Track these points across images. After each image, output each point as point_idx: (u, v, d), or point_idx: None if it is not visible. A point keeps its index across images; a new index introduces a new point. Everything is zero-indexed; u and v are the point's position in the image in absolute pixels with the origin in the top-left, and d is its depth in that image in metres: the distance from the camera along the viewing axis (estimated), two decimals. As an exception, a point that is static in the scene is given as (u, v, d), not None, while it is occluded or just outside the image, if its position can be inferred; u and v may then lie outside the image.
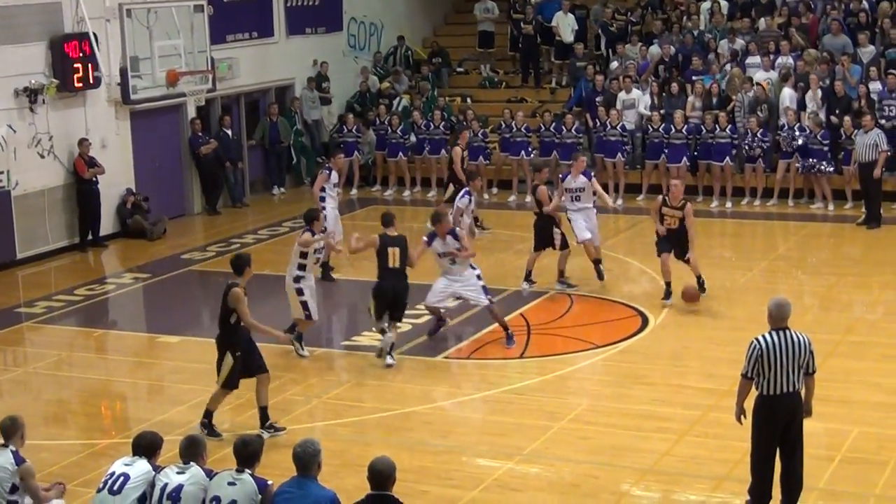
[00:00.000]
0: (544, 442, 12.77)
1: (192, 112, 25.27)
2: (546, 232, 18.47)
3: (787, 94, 24.56)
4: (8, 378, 16.07)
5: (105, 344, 17.43)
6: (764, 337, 10.38)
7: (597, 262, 18.61)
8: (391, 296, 15.24)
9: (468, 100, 29.25)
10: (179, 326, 17.61)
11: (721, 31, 27.32)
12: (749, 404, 10.57)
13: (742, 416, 10.62)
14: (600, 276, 18.59)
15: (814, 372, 10.51)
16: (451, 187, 22.29)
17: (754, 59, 25.87)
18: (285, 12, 27.95)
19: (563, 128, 25.60)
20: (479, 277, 16.16)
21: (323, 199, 19.28)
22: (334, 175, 19.72)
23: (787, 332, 10.40)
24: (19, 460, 9.82)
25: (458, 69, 31.13)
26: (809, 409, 10.64)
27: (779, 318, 10.43)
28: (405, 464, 8.82)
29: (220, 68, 25.16)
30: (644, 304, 17.65)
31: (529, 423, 13.31)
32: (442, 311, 16.44)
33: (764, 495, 10.62)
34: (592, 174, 19.42)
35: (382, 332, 15.41)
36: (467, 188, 19.50)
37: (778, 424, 10.42)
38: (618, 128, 25.30)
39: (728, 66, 25.97)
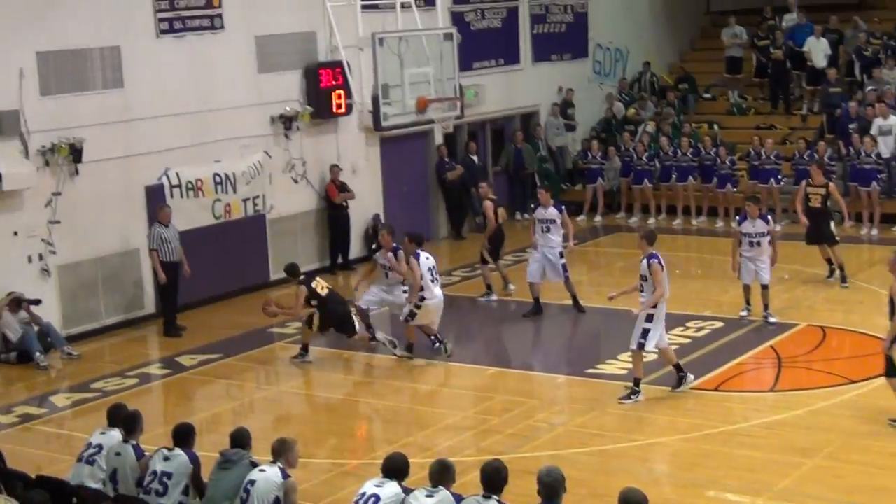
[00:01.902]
0: (796, 479, 12.37)
1: (438, 138, 25.65)
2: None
3: None
4: (260, 396, 16.56)
5: (354, 365, 17.77)
6: None
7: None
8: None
9: (715, 126, 28.80)
10: (426, 350, 17.83)
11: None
12: None
13: None
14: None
15: None
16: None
17: None
18: (531, 39, 28.13)
19: (816, 155, 24.92)
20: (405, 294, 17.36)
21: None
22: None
23: None
24: (285, 476, 10.13)
25: (706, 95, 30.71)
26: None
27: None
28: (651, 496, 8.62)
29: (468, 95, 25.44)
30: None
31: (780, 459, 12.92)
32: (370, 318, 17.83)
33: None
34: (563, 207, 19.39)
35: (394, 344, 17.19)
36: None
37: None
38: (872, 155, 24.48)
39: None
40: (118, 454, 10.91)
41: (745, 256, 18.13)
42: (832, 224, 20.23)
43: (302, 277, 17.51)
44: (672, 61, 32.36)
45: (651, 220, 26.65)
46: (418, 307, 16.98)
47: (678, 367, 15.17)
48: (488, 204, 20.18)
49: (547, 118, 28.50)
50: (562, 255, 19.06)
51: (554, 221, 18.95)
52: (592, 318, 19.23)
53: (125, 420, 11.19)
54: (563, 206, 19.50)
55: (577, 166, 28.35)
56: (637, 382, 14.91)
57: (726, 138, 27.67)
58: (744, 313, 18.29)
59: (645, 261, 14.85)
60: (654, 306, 14.77)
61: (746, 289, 18.30)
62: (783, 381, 15.63)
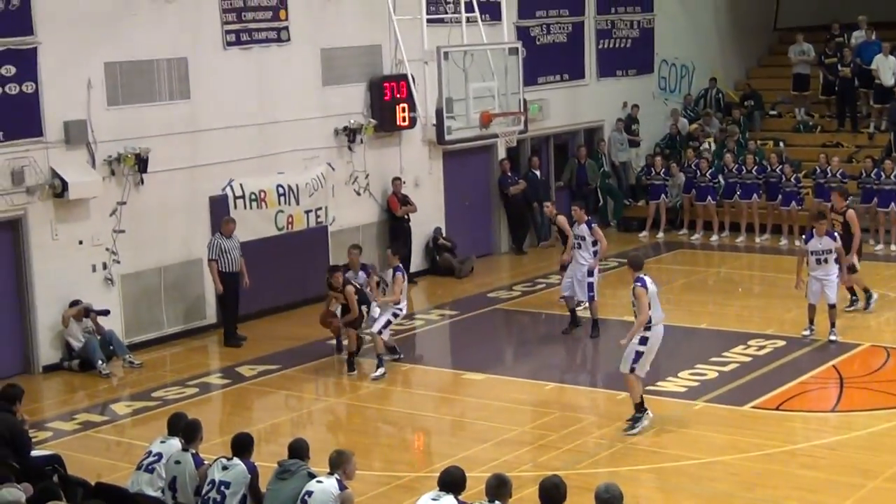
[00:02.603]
0: (857, 500, 12.23)
1: (501, 153, 25.63)
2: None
3: None
4: (319, 408, 16.62)
5: (411, 378, 17.77)
6: None
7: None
8: None
9: (781, 143, 28.57)
10: (484, 364, 17.79)
11: None
12: None
13: None
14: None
15: None
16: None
17: None
18: (597, 54, 28.06)
19: (882, 174, 24.65)
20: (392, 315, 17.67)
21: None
22: (350, 275, 18.24)
23: None
24: (342, 487, 10.16)
25: (772, 112, 30.48)
26: None
27: None
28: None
29: (532, 110, 25.42)
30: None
31: (842, 481, 12.77)
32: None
33: None
34: (594, 224, 19.17)
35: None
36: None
37: None
38: (939, 173, 24.19)
39: None
40: (178, 462, 10.99)
41: (811, 276, 17.94)
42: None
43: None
44: (738, 78, 32.14)
45: (714, 238, 26.47)
46: (396, 315, 17.69)
47: (639, 406, 14.52)
48: (562, 219, 19.84)
49: (611, 133, 28.41)
50: (590, 274, 18.68)
51: (584, 238, 18.68)
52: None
53: (185, 429, 11.27)
54: (594, 223, 19.33)
55: (641, 182, 28.23)
56: (638, 407, 14.49)
57: (792, 156, 27.45)
58: (807, 332, 18.08)
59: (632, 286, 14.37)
60: (648, 329, 14.35)
61: (812, 308, 18.09)
62: (845, 402, 15.46)
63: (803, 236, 18.50)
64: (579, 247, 18.80)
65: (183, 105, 19.81)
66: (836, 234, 18.31)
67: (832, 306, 17.87)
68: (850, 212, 19.59)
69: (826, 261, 17.79)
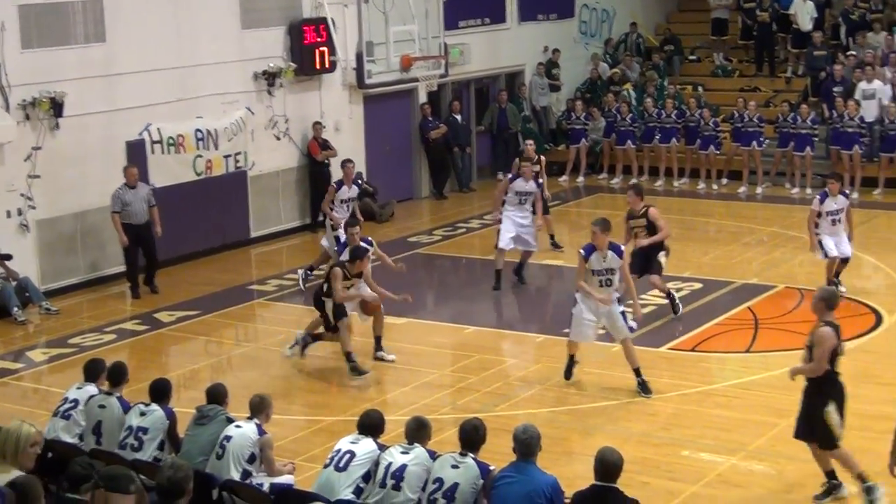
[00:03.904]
0: (770, 439, 12.46)
1: (422, 97, 25.57)
2: None
3: None
4: (239, 353, 16.60)
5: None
6: None
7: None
8: None
9: (700, 88, 28.77)
10: (405, 308, 17.77)
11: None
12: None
13: None
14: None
15: None
16: None
17: None
18: (519, -2, 28.02)
19: (799, 118, 24.93)
20: None
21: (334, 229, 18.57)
22: (344, 189, 18.77)
23: None
24: (261, 432, 10.19)
25: (691, 57, 30.67)
26: None
27: None
28: (626, 455, 8.67)
29: (453, 54, 25.39)
30: (878, 302, 17.06)
31: (755, 419, 13.01)
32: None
33: None
34: (542, 182, 19.05)
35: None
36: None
37: None
38: (856, 119, 24.49)
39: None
40: (102, 406, 10.91)
41: (825, 235, 17.27)
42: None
43: None
44: (658, 22, 32.28)
45: (633, 181, 26.63)
46: None
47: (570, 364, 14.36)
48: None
49: (532, 78, 28.43)
50: (537, 226, 18.76)
51: (531, 194, 18.46)
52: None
53: (111, 372, 11.19)
54: (542, 182, 19.31)
55: (561, 127, 28.33)
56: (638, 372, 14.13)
57: (710, 100, 27.67)
58: (843, 289, 17.20)
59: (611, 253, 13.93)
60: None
61: (832, 264, 17.41)
62: (759, 342, 15.70)
63: (818, 196, 17.64)
64: (525, 202, 18.48)
65: (99, 48, 19.52)
66: (847, 192, 18.09)
67: (845, 261, 17.42)
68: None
69: (840, 221, 17.29)
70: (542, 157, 20.66)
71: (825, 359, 10.54)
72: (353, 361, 14.89)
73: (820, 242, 17.33)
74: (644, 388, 13.89)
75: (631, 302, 14.25)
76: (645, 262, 16.52)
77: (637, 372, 13.97)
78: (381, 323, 15.56)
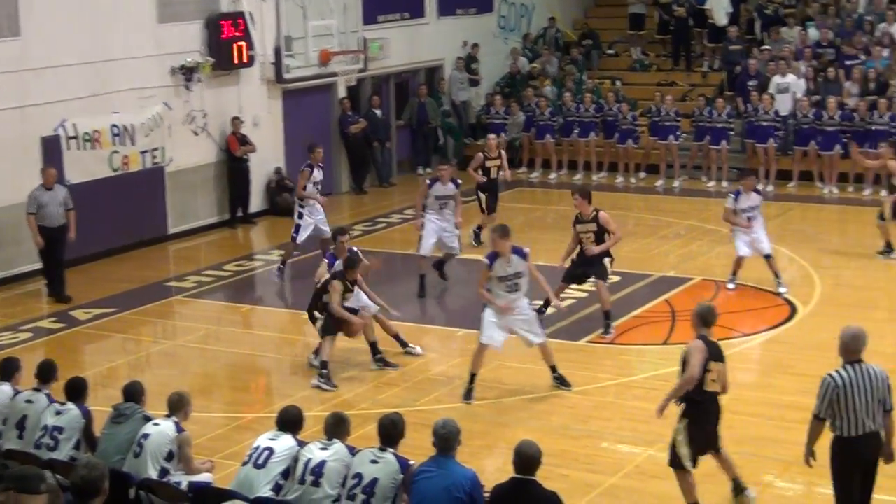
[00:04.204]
0: (687, 430, 12.57)
1: (342, 92, 25.50)
2: None
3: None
4: (157, 350, 16.45)
5: (251, 319, 17.71)
6: (838, 372, 9.37)
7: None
8: None
9: (618, 82, 28.99)
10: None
11: (880, 13, 26.60)
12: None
13: (811, 458, 9.64)
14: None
15: (891, 410, 9.45)
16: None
17: (915, 44, 25.17)
18: (437, -7, 28.03)
19: (715, 112, 25.21)
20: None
21: (302, 208, 18.79)
22: (317, 172, 18.92)
23: (862, 365, 9.38)
24: (179, 429, 10.14)
25: (609, 51, 30.88)
26: (890, 453, 9.59)
27: (854, 351, 9.42)
28: (545, 447, 8.71)
29: (372, 48, 25.37)
30: (792, 293, 17.30)
31: (673, 411, 12.95)
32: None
33: None
34: (459, 183, 18.48)
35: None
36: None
37: (858, 469, 9.46)
38: (770, 112, 24.80)
39: (887, 51, 25.30)
40: (29, 401, 10.77)
41: (739, 231, 17.38)
42: None
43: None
44: (576, 17, 32.47)
45: (552, 175, 26.82)
46: None
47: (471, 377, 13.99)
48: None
49: (451, 73, 28.48)
50: (457, 227, 18.38)
51: (452, 197, 18.23)
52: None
53: (40, 369, 11.04)
54: (459, 182, 19.08)
55: (481, 121, 28.42)
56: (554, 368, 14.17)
57: (628, 94, 27.90)
58: (731, 286, 17.72)
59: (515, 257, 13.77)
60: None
61: (740, 262, 17.59)
62: (677, 334, 15.81)
63: (731, 195, 17.66)
64: (445, 206, 18.11)
65: (12, 42, 19.24)
66: (759, 188, 18.33)
67: (768, 257, 17.57)
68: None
69: (756, 217, 17.38)
70: (503, 152, 20.69)
71: (696, 368, 10.32)
72: (326, 370, 14.32)
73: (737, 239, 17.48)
74: (562, 381, 13.99)
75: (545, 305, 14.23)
76: (586, 268, 15.94)
77: (553, 368, 14.04)
78: (371, 328, 14.92)
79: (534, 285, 14.05)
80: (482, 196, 20.41)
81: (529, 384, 14.13)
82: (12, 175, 19.15)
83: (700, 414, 10.51)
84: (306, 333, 16.47)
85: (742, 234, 17.44)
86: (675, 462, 10.59)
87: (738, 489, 10.95)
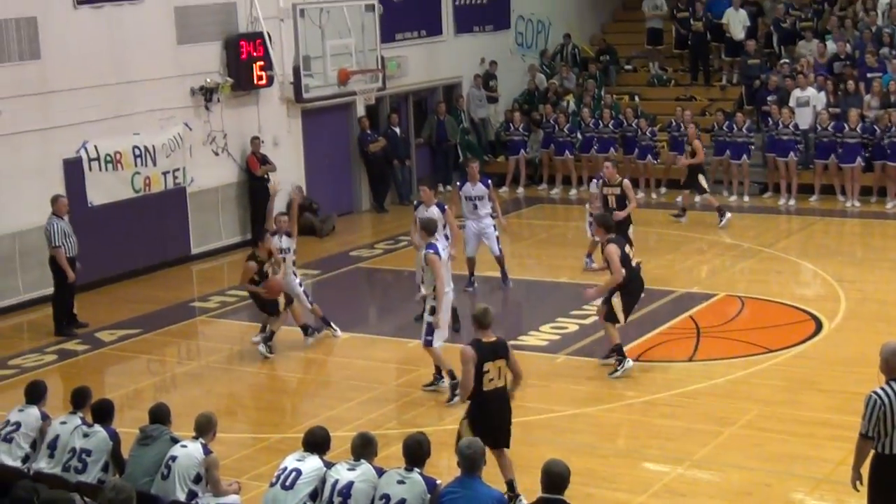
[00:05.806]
0: (715, 448, 12.54)
1: (361, 110, 25.55)
2: None
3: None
4: (182, 371, 16.46)
5: (276, 339, 17.67)
6: (883, 390, 9.11)
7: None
8: None
9: (636, 98, 28.97)
10: (347, 323, 17.73)
11: (899, 26, 26.57)
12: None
13: (858, 483, 9.36)
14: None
15: None
16: None
17: (934, 56, 25.08)
18: (454, 10, 28.07)
19: (735, 126, 25.15)
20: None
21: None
22: (467, 186, 18.72)
23: None
24: (207, 451, 10.12)
25: (627, 67, 30.87)
26: None
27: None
28: (572, 466, 8.67)
29: (390, 67, 25.37)
30: (818, 308, 17.22)
31: (699, 428, 13.08)
32: None
33: None
34: (490, 182, 19.08)
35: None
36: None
37: None
38: (790, 126, 24.73)
39: (906, 64, 25.25)
40: (63, 423, 10.78)
41: (467, 222, 18.53)
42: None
43: None
44: (593, 33, 32.45)
45: (573, 192, 26.78)
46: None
47: (439, 374, 14.52)
48: (627, 183, 19.03)
49: (469, 90, 28.50)
50: (494, 228, 18.81)
51: (482, 198, 18.61)
52: (515, 289, 19.28)
53: (74, 395, 11.04)
54: (490, 180, 19.36)
55: (500, 138, 28.42)
56: (440, 373, 14.51)
57: (647, 110, 27.87)
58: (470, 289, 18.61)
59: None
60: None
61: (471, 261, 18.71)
62: (702, 351, 15.79)
63: (457, 183, 18.49)
64: (476, 207, 18.62)
65: (33, 65, 19.32)
66: (489, 180, 19.03)
67: (498, 258, 18.51)
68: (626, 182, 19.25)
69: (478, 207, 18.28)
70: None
71: (469, 375, 10.85)
72: (271, 342, 16.23)
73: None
74: (435, 382, 14.41)
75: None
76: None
77: (437, 370, 14.39)
78: (298, 312, 16.66)
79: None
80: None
81: (554, 402, 14.08)
82: (37, 198, 19.17)
83: (483, 413, 10.99)
84: (331, 353, 16.51)
85: (471, 227, 18.57)
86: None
87: (511, 488, 11.04)
